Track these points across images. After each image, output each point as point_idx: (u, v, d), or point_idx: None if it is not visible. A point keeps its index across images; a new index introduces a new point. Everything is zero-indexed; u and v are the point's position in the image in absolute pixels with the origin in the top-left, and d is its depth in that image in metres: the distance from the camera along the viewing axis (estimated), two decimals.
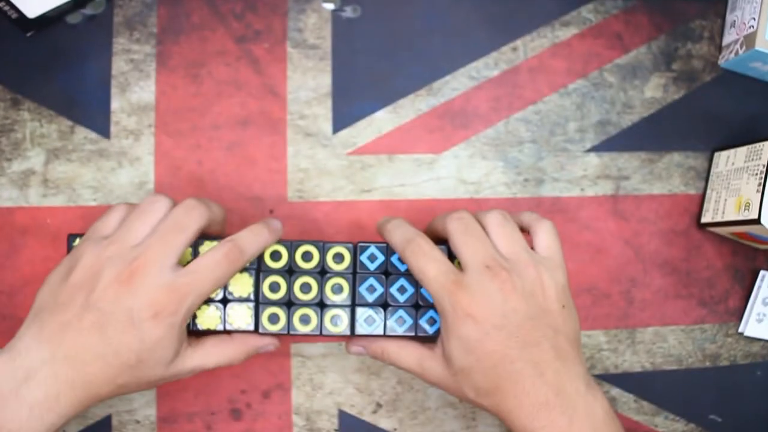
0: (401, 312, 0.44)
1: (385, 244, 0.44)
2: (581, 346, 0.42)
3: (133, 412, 0.48)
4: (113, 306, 0.37)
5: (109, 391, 0.38)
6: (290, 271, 0.43)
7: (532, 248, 0.42)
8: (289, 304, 0.43)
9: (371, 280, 0.44)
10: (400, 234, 0.42)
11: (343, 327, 0.43)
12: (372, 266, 0.44)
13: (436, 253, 0.41)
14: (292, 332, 0.43)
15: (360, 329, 0.43)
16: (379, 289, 0.44)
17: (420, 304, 0.44)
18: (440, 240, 0.43)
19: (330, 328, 0.43)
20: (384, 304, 0.44)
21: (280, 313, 0.43)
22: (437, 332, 0.43)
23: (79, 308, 0.38)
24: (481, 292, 0.39)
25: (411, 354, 0.43)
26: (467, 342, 0.39)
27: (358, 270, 0.44)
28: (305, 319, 0.43)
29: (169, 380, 0.41)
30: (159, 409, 0.49)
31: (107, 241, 0.39)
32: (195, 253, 0.42)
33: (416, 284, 0.44)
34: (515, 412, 0.39)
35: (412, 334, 0.43)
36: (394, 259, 0.44)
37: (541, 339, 0.39)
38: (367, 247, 0.44)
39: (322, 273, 0.43)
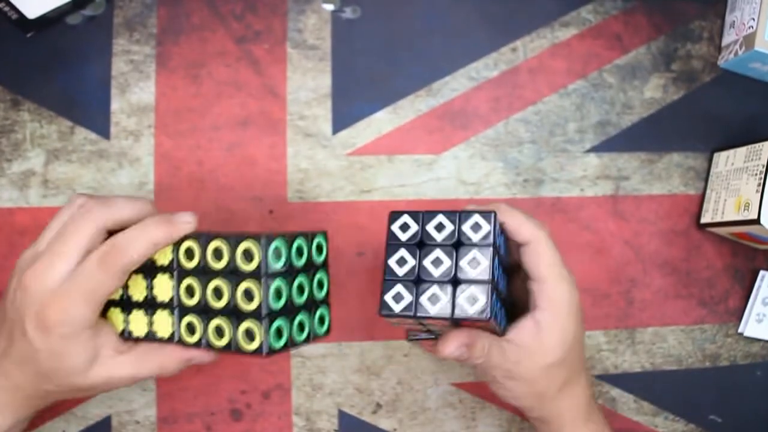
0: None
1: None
2: None
3: (133, 413, 0.48)
4: (13, 315, 0.37)
5: (42, 396, 0.38)
6: (204, 272, 0.36)
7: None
8: (206, 310, 0.36)
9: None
10: (531, 224, 0.40)
11: (256, 344, 0.35)
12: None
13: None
14: (207, 345, 0.37)
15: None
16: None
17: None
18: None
19: (242, 343, 0.36)
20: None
21: (196, 322, 0.37)
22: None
23: (1, 319, 0.39)
24: (571, 287, 0.41)
25: (497, 348, 0.40)
26: (572, 335, 0.40)
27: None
28: (219, 331, 0.36)
29: (106, 388, 0.39)
30: (159, 410, 0.49)
31: (30, 248, 0.39)
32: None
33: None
34: (570, 411, 0.42)
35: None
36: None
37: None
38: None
39: (233, 273, 0.36)
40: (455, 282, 0.37)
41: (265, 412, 0.49)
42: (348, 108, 0.51)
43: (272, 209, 0.50)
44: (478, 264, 0.37)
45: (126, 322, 0.39)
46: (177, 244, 0.37)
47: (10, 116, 0.49)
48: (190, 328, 0.37)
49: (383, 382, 0.50)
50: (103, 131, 0.50)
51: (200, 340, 0.36)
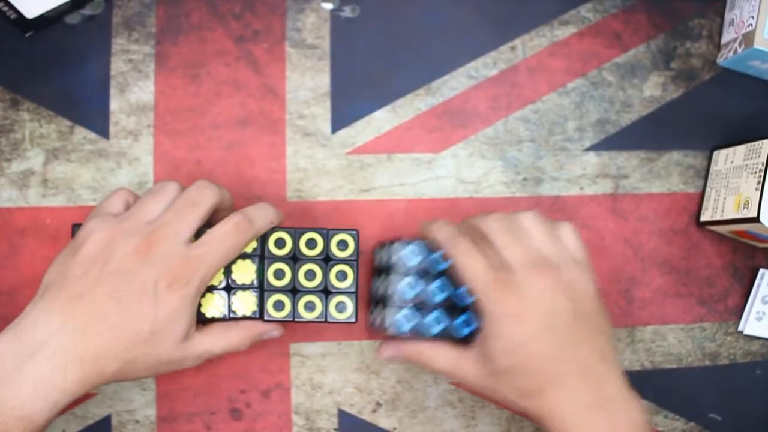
0: (436, 313, 0.43)
1: (421, 242, 0.44)
2: (617, 351, 0.41)
3: (132, 412, 0.48)
4: (130, 276, 0.38)
5: (117, 369, 0.38)
6: (294, 258, 0.44)
7: None
8: (294, 291, 0.44)
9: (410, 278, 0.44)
10: (446, 231, 0.42)
11: (348, 313, 0.44)
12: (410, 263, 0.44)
13: (481, 252, 0.40)
14: (297, 319, 0.43)
15: (394, 328, 0.43)
16: (417, 287, 0.43)
17: (456, 305, 0.44)
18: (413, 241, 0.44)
19: (335, 314, 0.44)
20: (451, 306, 0.43)
21: (285, 300, 0.43)
22: (471, 334, 0.43)
23: (92, 280, 0.38)
24: (529, 290, 0.39)
25: (447, 356, 0.42)
26: (512, 343, 0.38)
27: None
28: (310, 306, 0.43)
29: (176, 365, 0.40)
30: (159, 409, 0.49)
31: (119, 218, 0.40)
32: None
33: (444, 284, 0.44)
34: (558, 414, 0.38)
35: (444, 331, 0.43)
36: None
37: (586, 340, 0.39)
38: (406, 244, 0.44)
39: (326, 260, 0.44)
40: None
41: (264, 411, 0.49)
42: (347, 107, 0.51)
43: None
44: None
45: (199, 304, 0.42)
46: (265, 236, 0.43)
47: (9, 116, 0.49)
48: (278, 306, 0.43)
49: (383, 381, 0.50)
50: (103, 131, 0.50)
51: (289, 314, 0.43)
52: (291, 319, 0.43)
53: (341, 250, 0.44)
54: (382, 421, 0.50)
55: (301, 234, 0.44)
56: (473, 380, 0.41)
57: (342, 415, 0.50)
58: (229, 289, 0.43)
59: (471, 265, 0.40)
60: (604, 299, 0.52)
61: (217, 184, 0.42)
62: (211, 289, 0.43)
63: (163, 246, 0.38)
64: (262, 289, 0.43)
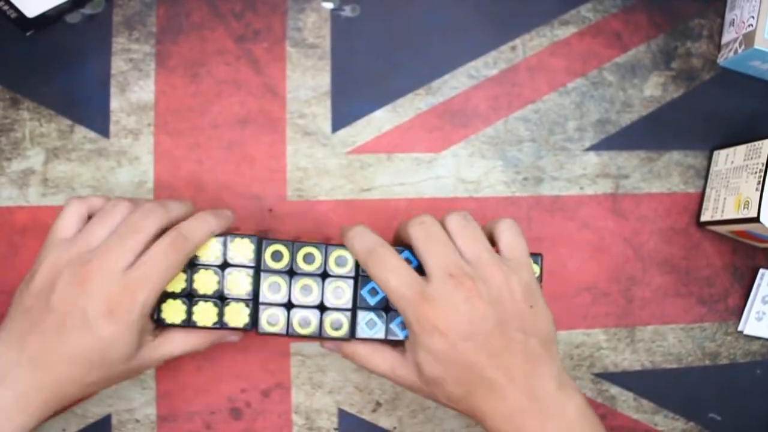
0: (371, 314, 0.43)
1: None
2: (555, 344, 0.41)
3: (132, 411, 0.48)
4: (70, 307, 0.38)
5: (79, 391, 0.39)
6: (291, 273, 0.43)
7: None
8: (289, 305, 0.43)
9: (373, 284, 0.43)
10: (361, 243, 0.41)
11: (343, 331, 0.43)
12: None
13: (399, 263, 0.40)
14: (291, 334, 0.43)
15: (361, 333, 0.43)
16: (382, 293, 0.43)
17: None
18: (408, 246, 0.42)
19: (330, 331, 0.43)
20: (386, 307, 0.43)
21: (279, 314, 0.43)
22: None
23: (40, 312, 0.39)
24: (447, 302, 0.38)
25: (383, 359, 0.42)
26: (435, 354, 0.39)
27: (361, 273, 0.43)
28: (305, 322, 0.43)
29: (138, 372, 0.42)
30: (159, 409, 0.49)
31: (67, 244, 0.40)
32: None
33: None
34: (489, 416, 0.39)
35: (382, 337, 0.43)
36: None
37: (510, 344, 0.39)
38: None
39: (323, 276, 0.43)
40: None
41: (265, 410, 0.49)
42: (347, 106, 0.51)
43: (272, 208, 0.50)
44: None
45: (159, 309, 0.42)
46: (260, 248, 0.43)
47: (9, 115, 0.49)
48: (272, 320, 0.43)
49: (383, 381, 0.50)
50: (103, 130, 0.50)
51: (283, 329, 0.43)
52: (284, 334, 0.43)
53: (339, 266, 0.43)
54: (382, 421, 0.50)
55: (299, 248, 0.43)
56: (409, 384, 0.42)
57: (342, 414, 0.50)
58: (191, 296, 0.42)
59: (388, 281, 0.39)
60: (604, 299, 0.52)
61: (175, 202, 0.42)
62: (174, 296, 0.42)
63: (100, 275, 0.38)
64: (256, 301, 0.43)
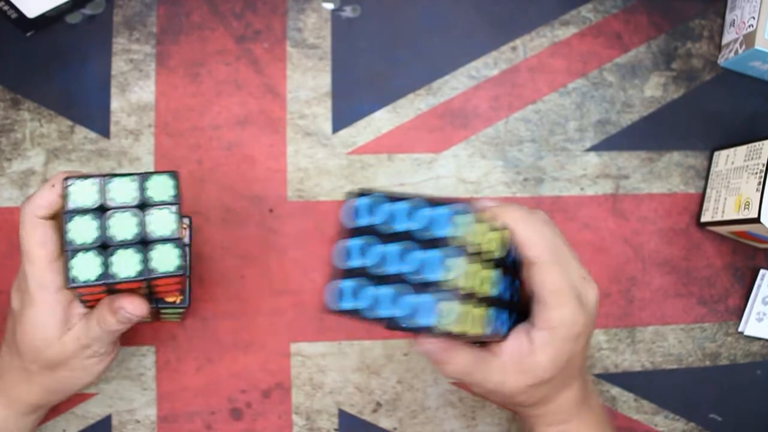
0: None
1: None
2: None
3: (133, 412, 0.48)
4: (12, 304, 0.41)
5: (29, 379, 0.40)
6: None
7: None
8: (105, 246, 0.36)
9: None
10: (544, 231, 0.37)
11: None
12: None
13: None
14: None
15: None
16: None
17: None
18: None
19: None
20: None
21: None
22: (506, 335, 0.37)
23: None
24: (588, 306, 0.38)
25: (467, 358, 0.37)
26: (569, 356, 0.37)
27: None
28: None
29: (82, 362, 0.40)
30: (159, 409, 0.49)
31: None
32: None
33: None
34: (554, 412, 0.40)
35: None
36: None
37: (587, 345, 0.40)
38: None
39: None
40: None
41: (265, 411, 0.49)
42: (348, 107, 0.51)
43: (272, 208, 0.50)
44: None
45: (69, 268, 0.36)
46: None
47: (10, 115, 0.49)
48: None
49: (383, 381, 0.50)
50: (103, 130, 0.50)
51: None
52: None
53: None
54: (382, 421, 0.50)
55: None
56: (505, 389, 0.38)
57: (342, 415, 0.50)
58: (105, 246, 0.36)
59: (557, 275, 0.37)
60: (604, 300, 0.52)
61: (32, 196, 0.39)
62: (82, 249, 0.36)
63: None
64: (145, 243, 0.37)
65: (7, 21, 0.48)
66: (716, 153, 0.54)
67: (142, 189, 0.37)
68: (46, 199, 0.38)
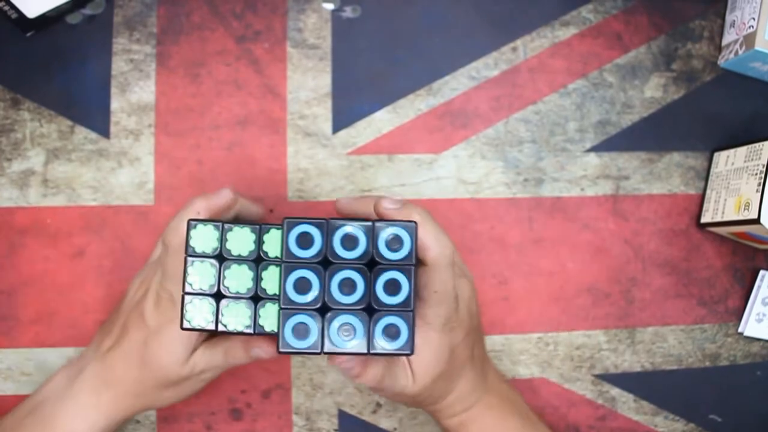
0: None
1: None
2: None
3: None
4: (133, 305, 0.42)
5: (140, 392, 0.41)
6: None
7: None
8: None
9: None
10: (441, 236, 0.37)
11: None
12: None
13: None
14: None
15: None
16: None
17: (375, 307, 0.34)
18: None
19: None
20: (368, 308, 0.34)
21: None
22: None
23: (117, 322, 0.43)
24: (462, 302, 0.40)
25: (377, 370, 0.39)
26: (445, 352, 0.39)
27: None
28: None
29: (194, 385, 0.42)
30: (159, 409, 0.49)
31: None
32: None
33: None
34: (450, 402, 0.42)
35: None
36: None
37: (480, 337, 0.44)
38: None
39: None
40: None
41: (265, 411, 0.49)
42: (348, 107, 0.51)
43: (272, 208, 0.50)
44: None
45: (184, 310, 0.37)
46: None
47: (10, 115, 0.49)
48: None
49: None
50: (103, 130, 0.50)
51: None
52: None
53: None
54: (382, 422, 0.50)
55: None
56: (404, 391, 0.40)
57: (342, 415, 0.50)
58: (220, 296, 0.36)
59: (449, 280, 0.37)
60: (604, 300, 0.52)
61: (225, 193, 0.40)
62: (198, 295, 0.37)
63: (154, 280, 0.41)
64: (256, 299, 0.36)
65: (7, 21, 0.48)
66: (716, 154, 0.54)
67: (260, 242, 0.36)
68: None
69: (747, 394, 0.53)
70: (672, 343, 0.53)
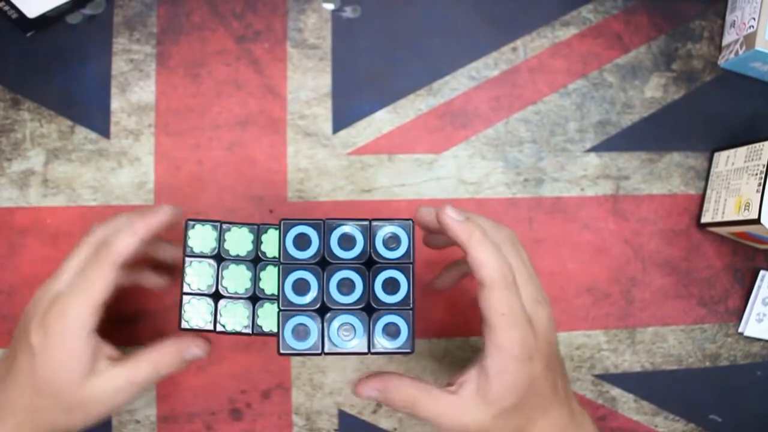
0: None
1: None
2: None
3: (133, 412, 0.48)
4: (19, 333, 0.39)
5: (40, 420, 0.38)
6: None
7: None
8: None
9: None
10: (498, 255, 0.36)
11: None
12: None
13: (516, 287, 0.36)
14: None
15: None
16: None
17: (374, 306, 0.34)
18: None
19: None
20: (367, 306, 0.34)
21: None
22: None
23: (12, 340, 0.40)
24: (540, 329, 0.37)
25: (437, 403, 0.37)
26: (527, 382, 0.36)
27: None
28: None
29: (103, 406, 0.38)
30: (159, 409, 0.49)
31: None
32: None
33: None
34: None
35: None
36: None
37: (561, 368, 0.39)
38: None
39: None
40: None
41: (265, 411, 0.49)
42: (348, 107, 0.51)
43: (272, 208, 0.50)
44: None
45: (182, 310, 0.37)
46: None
47: (10, 115, 0.49)
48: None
49: None
50: (103, 130, 0.50)
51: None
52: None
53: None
54: (382, 422, 0.50)
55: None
56: (470, 426, 0.37)
57: (342, 415, 0.50)
58: (218, 296, 0.37)
59: (505, 298, 0.35)
60: (604, 300, 0.52)
61: (128, 215, 0.39)
62: (197, 295, 0.37)
63: (40, 300, 0.38)
64: (255, 299, 0.37)
65: (7, 21, 0.48)
66: (716, 154, 0.54)
67: (258, 242, 0.36)
68: (129, 248, 0.37)
69: (747, 394, 0.53)
70: (672, 343, 0.53)
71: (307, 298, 0.34)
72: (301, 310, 0.34)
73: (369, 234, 0.35)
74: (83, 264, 0.38)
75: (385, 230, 0.35)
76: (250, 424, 0.49)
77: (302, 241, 0.34)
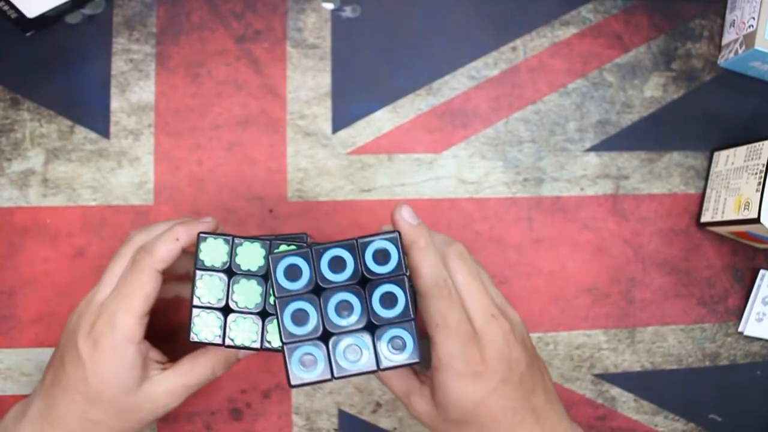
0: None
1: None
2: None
3: None
4: (67, 340, 0.39)
5: (89, 429, 0.38)
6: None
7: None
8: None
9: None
10: (437, 268, 0.36)
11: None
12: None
13: (458, 299, 0.36)
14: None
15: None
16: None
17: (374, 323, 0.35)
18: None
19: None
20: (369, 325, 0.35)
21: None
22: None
23: (54, 358, 0.40)
24: (491, 345, 0.36)
25: (401, 381, 0.39)
26: (472, 400, 0.36)
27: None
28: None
29: (155, 411, 0.39)
30: None
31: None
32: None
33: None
34: None
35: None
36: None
37: (537, 384, 0.38)
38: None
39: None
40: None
41: (265, 411, 0.49)
42: (348, 107, 0.51)
43: (272, 208, 0.50)
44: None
45: (191, 324, 0.38)
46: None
47: (9, 115, 0.49)
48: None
49: None
50: (103, 130, 0.50)
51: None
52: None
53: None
54: (382, 422, 0.50)
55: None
56: (421, 415, 0.38)
57: (342, 415, 0.50)
58: (228, 311, 0.37)
59: (449, 313, 0.35)
60: (604, 300, 0.52)
61: (167, 222, 0.40)
62: (206, 308, 0.38)
63: (86, 311, 0.39)
64: (264, 315, 0.37)
65: (7, 21, 0.48)
66: (716, 153, 0.54)
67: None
68: (170, 254, 0.38)
69: (747, 393, 0.53)
70: (672, 343, 0.53)
71: (308, 327, 0.34)
72: (304, 340, 0.34)
73: (357, 253, 0.35)
74: (125, 272, 0.39)
75: (373, 246, 0.35)
76: (250, 424, 0.49)
77: (293, 273, 0.34)
